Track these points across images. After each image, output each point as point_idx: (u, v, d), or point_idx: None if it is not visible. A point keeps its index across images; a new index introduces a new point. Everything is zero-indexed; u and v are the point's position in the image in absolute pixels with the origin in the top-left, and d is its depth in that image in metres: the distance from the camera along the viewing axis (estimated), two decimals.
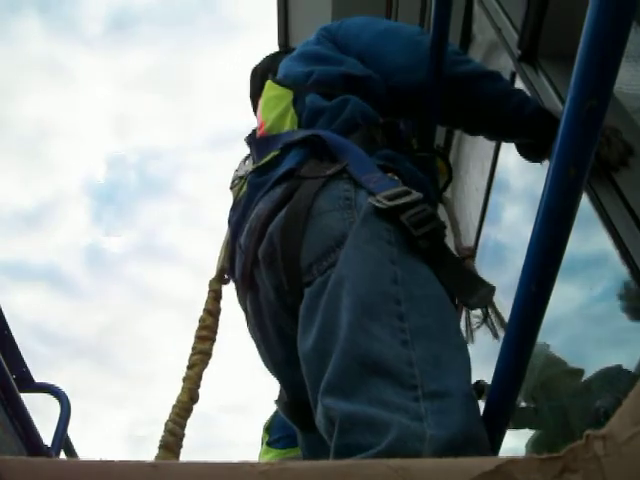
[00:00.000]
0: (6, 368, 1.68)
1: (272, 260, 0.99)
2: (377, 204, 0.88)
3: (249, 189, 1.13)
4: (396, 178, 0.97)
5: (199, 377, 1.02)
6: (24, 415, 1.74)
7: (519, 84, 1.70)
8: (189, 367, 1.03)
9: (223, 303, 1.17)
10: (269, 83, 1.30)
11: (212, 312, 1.11)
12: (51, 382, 2.16)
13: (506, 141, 1.61)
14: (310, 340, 0.86)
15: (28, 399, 1.82)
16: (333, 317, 0.84)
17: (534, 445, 1.62)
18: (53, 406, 2.08)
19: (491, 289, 0.86)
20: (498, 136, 1.47)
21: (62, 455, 1.98)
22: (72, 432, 2.15)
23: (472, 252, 1.12)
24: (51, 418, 2.05)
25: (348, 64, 1.23)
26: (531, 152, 1.35)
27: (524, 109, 1.26)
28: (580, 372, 1.48)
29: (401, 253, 0.86)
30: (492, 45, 2.11)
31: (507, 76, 1.83)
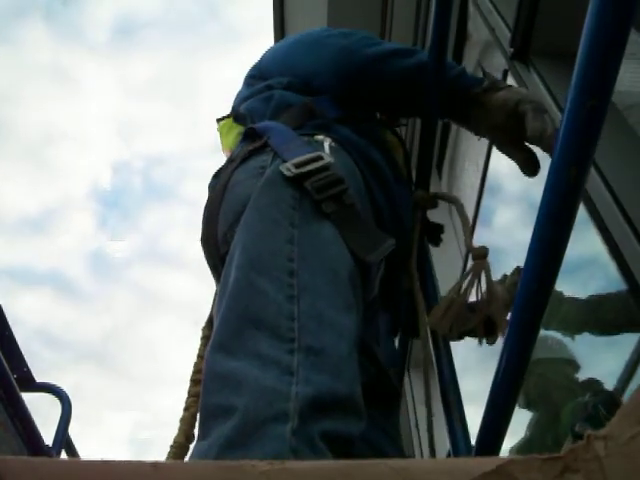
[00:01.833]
0: (7, 368, 1.68)
1: (205, 242, 1.04)
2: (285, 172, 0.91)
3: (208, 195, 1.16)
4: (326, 142, 1.02)
5: (194, 419, 1.04)
6: (25, 415, 1.74)
7: (511, 81, 1.71)
8: (185, 409, 1.06)
9: None
10: (219, 128, 1.34)
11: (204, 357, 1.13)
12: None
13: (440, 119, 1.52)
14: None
15: (31, 401, 1.83)
16: (226, 277, 0.85)
17: (523, 448, 1.63)
18: (55, 408, 2.09)
19: (390, 244, 0.91)
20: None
21: (63, 455, 1.98)
22: (76, 435, 2.16)
23: (485, 252, 1.09)
24: (53, 420, 2.06)
25: (270, 81, 1.25)
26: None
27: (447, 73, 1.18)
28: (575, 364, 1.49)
29: (303, 217, 0.88)
30: (486, 44, 2.12)
31: (500, 73, 1.84)
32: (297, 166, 0.92)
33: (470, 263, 1.09)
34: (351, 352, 0.77)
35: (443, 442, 1.05)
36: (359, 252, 0.88)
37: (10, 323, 1.92)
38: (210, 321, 1.19)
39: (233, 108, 1.31)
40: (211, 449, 0.65)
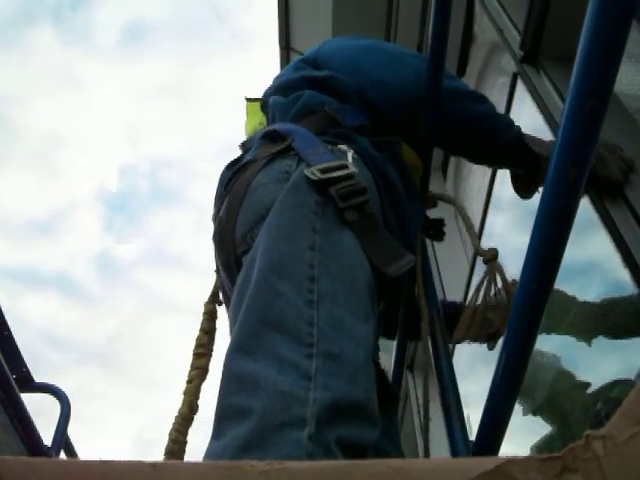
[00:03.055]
0: (6, 368, 1.68)
1: (220, 239, 1.03)
2: (310, 175, 0.91)
3: (219, 184, 1.16)
4: (349, 152, 1.02)
5: (198, 390, 1.07)
6: (24, 415, 1.74)
7: (521, 85, 1.70)
8: (188, 382, 1.08)
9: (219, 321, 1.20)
10: (247, 107, 1.34)
11: (207, 331, 1.15)
12: (59, 387, 2.16)
13: (488, 166, 1.61)
14: (230, 305, 0.88)
15: (33, 402, 1.83)
16: (247, 278, 0.85)
17: (537, 451, 1.62)
18: (55, 409, 2.08)
19: (410, 260, 0.91)
20: (476, 159, 1.42)
21: (62, 455, 1.98)
22: (80, 436, 2.16)
23: (495, 254, 1.10)
24: (53, 421, 2.05)
25: (310, 70, 1.25)
26: (519, 186, 1.33)
27: (502, 135, 1.24)
28: (587, 385, 1.48)
29: (325, 224, 0.88)
30: (494, 46, 2.11)
31: (509, 77, 1.83)
32: (323, 171, 0.92)
33: (473, 264, 1.10)
34: (367, 360, 0.77)
35: (444, 443, 1.05)
36: (378, 263, 0.89)
37: (16, 324, 1.92)
38: (213, 296, 1.20)
39: (268, 91, 1.30)
40: (226, 450, 0.65)
